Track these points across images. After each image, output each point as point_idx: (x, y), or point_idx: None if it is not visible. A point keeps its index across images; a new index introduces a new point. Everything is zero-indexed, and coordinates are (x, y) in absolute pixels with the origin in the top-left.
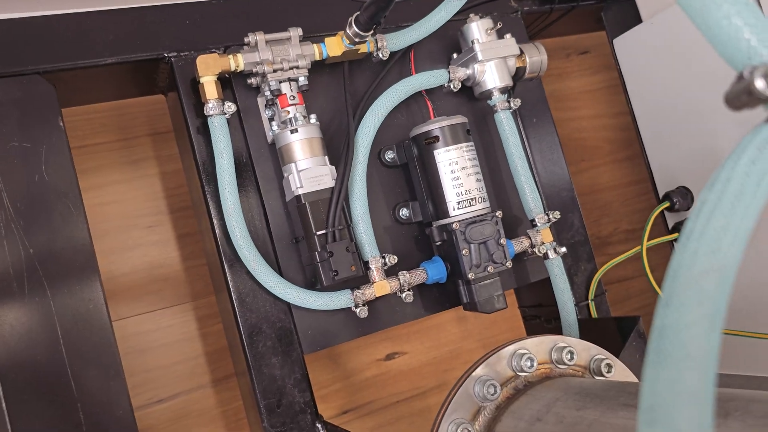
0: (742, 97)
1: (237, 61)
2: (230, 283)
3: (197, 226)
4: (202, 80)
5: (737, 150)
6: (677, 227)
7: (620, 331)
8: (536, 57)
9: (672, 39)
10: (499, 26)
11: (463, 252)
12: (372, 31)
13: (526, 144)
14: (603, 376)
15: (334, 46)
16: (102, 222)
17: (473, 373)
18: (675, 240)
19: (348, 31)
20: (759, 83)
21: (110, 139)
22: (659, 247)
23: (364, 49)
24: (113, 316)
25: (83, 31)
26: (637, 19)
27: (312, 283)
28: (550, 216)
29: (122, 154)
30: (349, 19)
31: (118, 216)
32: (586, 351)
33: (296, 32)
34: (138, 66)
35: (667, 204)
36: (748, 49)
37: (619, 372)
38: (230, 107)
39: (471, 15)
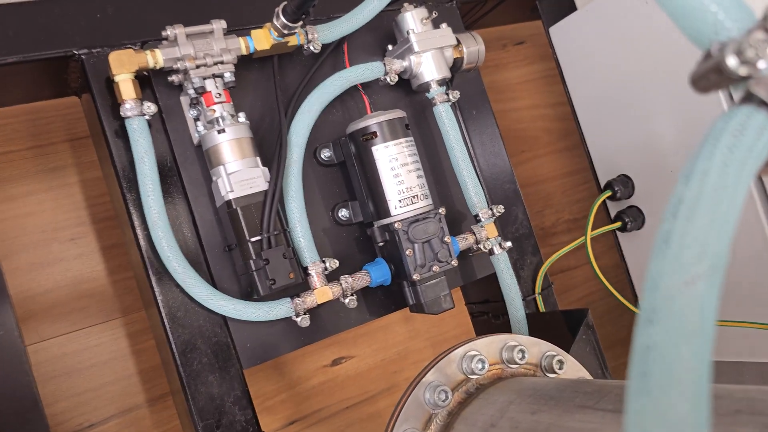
0: (710, 76)
1: (155, 57)
2: (159, 298)
3: (122, 236)
4: (116, 79)
5: (710, 137)
6: (620, 216)
7: (569, 324)
8: (473, 47)
9: (607, 26)
10: (434, 15)
11: (407, 252)
12: (301, 22)
13: (467, 137)
14: (555, 372)
15: (262, 39)
16: (19, 236)
17: (423, 379)
18: (618, 229)
19: (275, 22)
20: (731, 61)
21: (24, 147)
22: (601, 236)
23: (293, 41)
24: (35, 337)
25: None
26: (572, 7)
27: (248, 293)
28: (494, 210)
29: (38, 162)
30: (276, 9)
31: (37, 229)
32: (536, 348)
33: (219, 25)
34: (45, 65)
35: (609, 193)
36: (715, 23)
37: (571, 368)
38: (150, 107)
39: (405, 4)
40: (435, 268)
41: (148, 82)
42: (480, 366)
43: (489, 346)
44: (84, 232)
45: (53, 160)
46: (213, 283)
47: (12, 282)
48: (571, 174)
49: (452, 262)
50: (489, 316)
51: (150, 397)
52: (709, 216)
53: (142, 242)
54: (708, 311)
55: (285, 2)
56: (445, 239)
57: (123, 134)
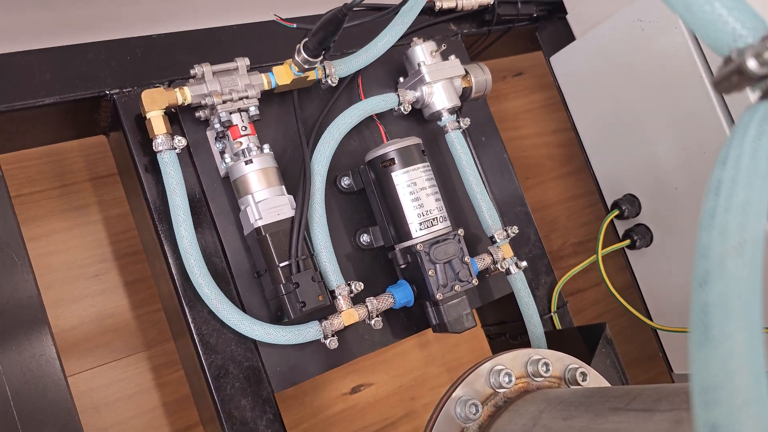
0: (732, 78)
1: (184, 94)
2: (191, 325)
3: (150, 270)
4: (148, 115)
5: (739, 129)
6: (628, 234)
7: (586, 339)
8: (481, 77)
9: (605, 53)
10: (444, 48)
11: (429, 273)
12: (321, 57)
13: (477, 162)
14: (578, 384)
15: (283, 75)
16: (45, 274)
17: (453, 394)
18: (627, 246)
19: (297, 57)
20: (751, 63)
21: (48, 187)
22: (609, 258)
23: (312, 76)
24: None
25: (18, 71)
26: (570, 37)
27: (277, 318)
28: (509, 231)
29: (62, 201)
30: (297, 45)
31: (62, 266)
32: (560, 361)
33: (243, 62)
34: (78, 105)
35: (616, 212)
36: (733, 33)
37: (593, 379)
38: (180, 141)
39: (415, 38)
40: (456, 288)
41: (175, 118)
42: (507, 380)
43: (514, 360)
44: (107, 268)
45: (77, 199)
46: (243, 309)
47: None
48: (575, 198)
49: (473, 281)
50: (506, 337)
51: (175, 430)
52: (747, 191)
53: (174, 271)
54: (756, 270)
55: (306, 39)
56: (465, 259)
57: (153, 169)
